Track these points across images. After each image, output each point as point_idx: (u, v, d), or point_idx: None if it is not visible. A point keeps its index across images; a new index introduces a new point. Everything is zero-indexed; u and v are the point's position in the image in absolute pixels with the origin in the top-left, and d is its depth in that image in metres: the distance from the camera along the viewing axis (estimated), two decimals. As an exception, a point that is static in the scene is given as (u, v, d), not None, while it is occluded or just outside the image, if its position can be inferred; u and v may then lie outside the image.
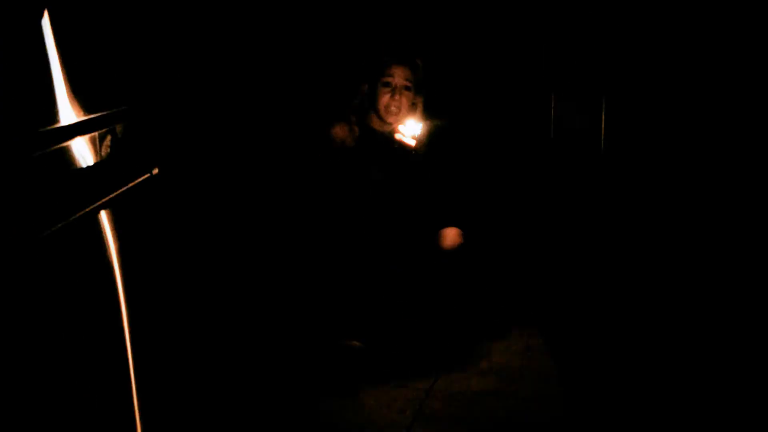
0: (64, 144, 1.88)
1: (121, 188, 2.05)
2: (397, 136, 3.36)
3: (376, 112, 3.42)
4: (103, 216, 2.01)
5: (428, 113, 3.50)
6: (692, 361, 3.16)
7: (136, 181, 2.18)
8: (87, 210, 1.84)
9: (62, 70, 1.91)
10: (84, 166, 1.95)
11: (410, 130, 3.35)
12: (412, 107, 3.44)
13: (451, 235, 3.42)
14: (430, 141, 3.47)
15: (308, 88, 4.16)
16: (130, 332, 2.09)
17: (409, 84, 3.40)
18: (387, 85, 3.38)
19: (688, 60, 3.65)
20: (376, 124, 3.47)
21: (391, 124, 3.41)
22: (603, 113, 3.79)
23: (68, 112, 1.92)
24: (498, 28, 4.15)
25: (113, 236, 2.05)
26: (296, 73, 4.20)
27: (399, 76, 3.38)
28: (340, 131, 3.42)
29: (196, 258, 3.38)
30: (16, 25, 1.81)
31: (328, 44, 4.16)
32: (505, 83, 4.18)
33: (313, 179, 3.45)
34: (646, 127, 3.78)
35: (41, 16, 1.88)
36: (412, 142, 3.34)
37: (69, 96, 1.93)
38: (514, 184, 4.34)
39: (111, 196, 1.98)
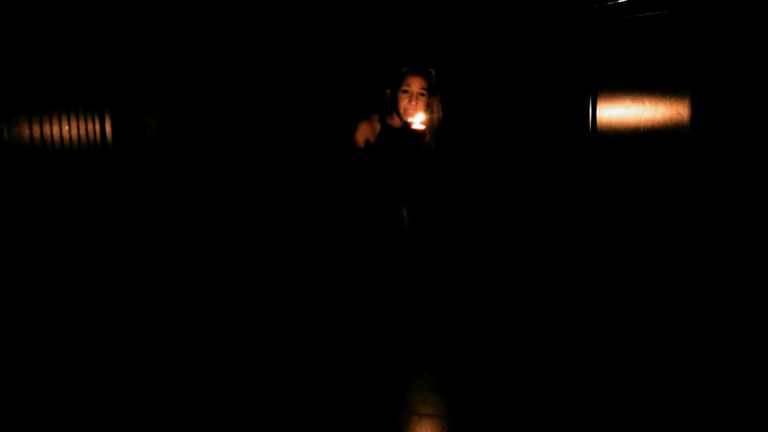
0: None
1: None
2: (411, 123, 4.22)
3: (397, 113, 4.29)
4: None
5: (446, 110, 4.36)
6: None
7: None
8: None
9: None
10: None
11: (419, 119, 4.20)
12: (428, 108, 4.28)
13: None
14: (439, 132, 4.33)
15: (338, 93, 5.46)
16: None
17: (424, 91, 4.25)
18: (406, 92, 4.25)
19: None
20: (395, 122, 4.34)
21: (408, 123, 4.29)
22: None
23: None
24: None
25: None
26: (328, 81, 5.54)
27: (415, 85, 4.24)
28: (365, 127, 4.32)
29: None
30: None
31: (355, 57, 5.36)
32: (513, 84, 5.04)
33: (338, 170, 4.46)
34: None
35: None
36: (422, 127, 4.18)
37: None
38: (515, 182, 5.11)
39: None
